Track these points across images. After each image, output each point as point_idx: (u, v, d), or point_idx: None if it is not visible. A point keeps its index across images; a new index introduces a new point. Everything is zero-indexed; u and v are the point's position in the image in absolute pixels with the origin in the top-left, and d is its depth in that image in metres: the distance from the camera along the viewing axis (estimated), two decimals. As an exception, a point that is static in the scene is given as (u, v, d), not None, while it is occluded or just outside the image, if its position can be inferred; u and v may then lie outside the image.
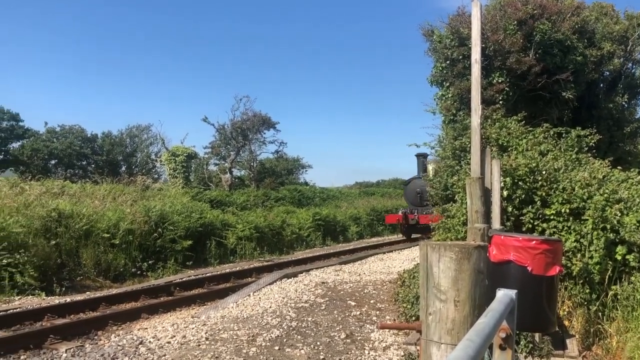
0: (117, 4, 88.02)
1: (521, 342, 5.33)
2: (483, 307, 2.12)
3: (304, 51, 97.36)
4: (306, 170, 57.67)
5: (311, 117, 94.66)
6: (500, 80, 13.31)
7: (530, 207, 7.33)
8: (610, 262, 6.86)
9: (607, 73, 16.69)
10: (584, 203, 7.15)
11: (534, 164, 7.62)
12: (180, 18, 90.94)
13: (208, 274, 12.98)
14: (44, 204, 13.29)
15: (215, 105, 75.51)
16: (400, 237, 24.30)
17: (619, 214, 7.02)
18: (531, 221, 7.29)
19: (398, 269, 11.76)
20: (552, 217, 7.21)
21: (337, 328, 7.13)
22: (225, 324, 7.31)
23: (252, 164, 45.22)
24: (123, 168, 49.68)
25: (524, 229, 7.30)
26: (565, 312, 6.73)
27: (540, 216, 7.32)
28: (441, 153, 11.30)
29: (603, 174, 8.29)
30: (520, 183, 7.38)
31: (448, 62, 13.78)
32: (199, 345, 6.40)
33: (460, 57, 13.44)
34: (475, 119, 6.46)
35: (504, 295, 2.15)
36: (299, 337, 6.74)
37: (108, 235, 13.38)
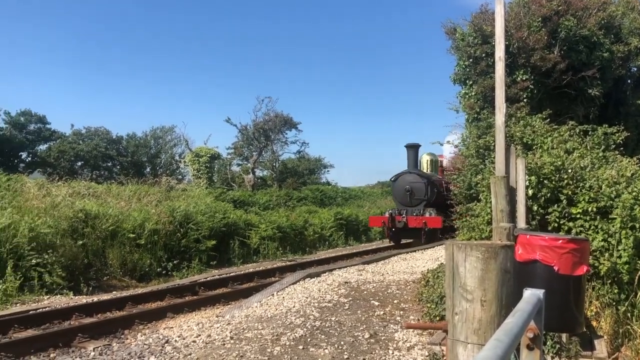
0: (139, 4, 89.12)
1: (548, 343, 5.27)
2: (510, 307, 2.11)
3: (324, 50, 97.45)
4: (328, 170, 57.86)
5: (333, 116, 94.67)
6: (524, 78, 13.16)
7: (556, 206, 7.23)
8: (640, 262, 6.73)
9: (635, 69, 16.40)
10: (611, 202, 7.02)
11: (559, 162, 7.51)
12: (204, 18, 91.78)
13: (232, 274, 13.08)
14: (71, 204, 13.52)
15: (238, 107, 75.99)
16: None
17: (649, 213, 6.89)
18: (557, 220, 7.18)
19: (421, 268, 11.70)
20: (578, 216, 7.10)
21: (361, 328, 7.13)
22: (249, 323, 7.36)
23: (274, 164, 45.45)
24: (148, 169, 50.33)
25: (549, 228, 7.20)
26: (593, 313, 6.63)
27: (567, 215, 7.22)
28: (465, 152, 11.21)
29: (631, 172, 8.13)
30: (545, 181, 7.28)
31: (471, 60, 13.67)
32: (224, 344, 6.45)
33: (484, 54, 13.33)
34: (500, 117, 6.40)
35: (531, 295, 2.13)
36: (323, 336, 6.75)
37: (134, 235, 13.57)
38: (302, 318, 7.45)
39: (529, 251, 4.82)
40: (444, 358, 5.29)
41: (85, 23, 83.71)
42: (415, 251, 15.81)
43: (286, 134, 43.98)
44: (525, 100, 12.80)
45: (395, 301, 8.55)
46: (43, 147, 47.24)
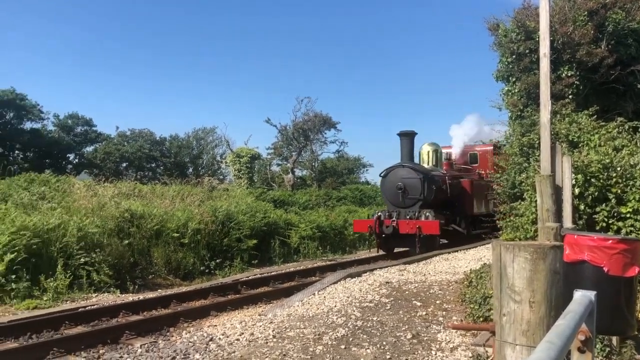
0: (179, 6, 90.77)
1: (597, 345, 5.13)
2: (559, 309, 2.07)
3: (361, 48, 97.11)
4: (367, 169, 57.65)
5: (371, 115, 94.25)
6: (569, 74, 12.84)
7: (604, 205, 7.03)
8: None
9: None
10: (663, 200, 6.79)
11: (607, 160, 7.30)
12: (244, 17, 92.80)
13: (273, 273, 13.19)
14: (117, 205, 13.90)
15: (278, 107, 76.63)
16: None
17: None
18: (605, 220, 6.99)
19: (464, 269, 11.54)
20: (628, 215, 6.89)
21: (403, 328, 7.08)
22: (291, 322, 7.41)
23: (313, 163, 45.63)
24: (190, 170, 51.22)
25: (597, 227, 7.01)
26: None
27: (615, 214, 7.01)
28: (508, 150, 11.02)
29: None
30: (592, 180, 7.09)
31: (514, 56, 13.42)
32: (267, 342, 6.52)
33: (527, 51, 13.06)
34: (545, 115, 6.27)
35: (582, 296, 2.08)
36: (365, 336, 6.74)
37: (177, 234, 13.85)
38: (343, 317, 7.46)
39: (576, 251, 4.70)
40: (490, 359, 5.21)
41: (130, 28, 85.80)
42: (457, 251, 15.60)
43: (325, 133, 44.09)
44: (570, 96, 12.49)
45: (437, 302, 8.47)
46: (89, 148, 48.66)
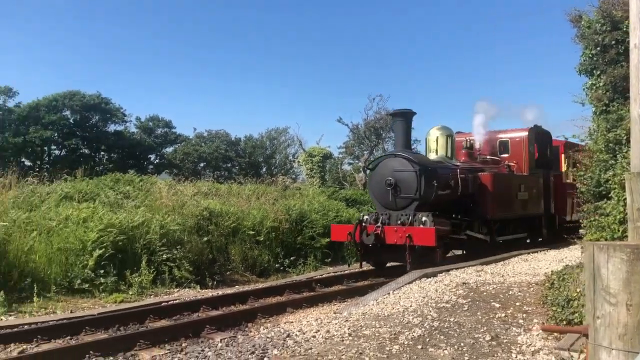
0: (252, 8, 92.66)
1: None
2: (658, 313, 1.96)
3: (429, 42, 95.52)
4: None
5: (441, 111, 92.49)
6: (660, 65, 12.05)
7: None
8: None
9: None
10: None
11: None
12: (315, 17, 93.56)
13: (346, 271, 13.22)
14: (197, 203, 14.40)
15: (349, 106, 76.90)
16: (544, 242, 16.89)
17: None
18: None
19: (545, 270, 11.12)
20: None
21: (482, 330, 6.92)
22: (366, 320, 7.41)
23: (385, 162, 45.24)
24: (264, 169, 52.27)
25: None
26: None
27: None
28: (592, 146, 10.51)
29: None
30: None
31: (598, 48, 12.75)
32: (343, 340, 6.55)
33: (613, 42, 12.38)
34: (635, 109, 5.90)
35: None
36: (442, 337, 6.64)
37: (253, 232, 14.19)
38: (419, 318, 7.38)
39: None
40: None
41: (204, 31, 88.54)
42: (537, 252, 15.04)
43: (398, 132, 43.62)
44: (661, 89, 11.72)
45: (517, 303, 8.21)
46: (169, 149, 50.73)
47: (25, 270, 9.87)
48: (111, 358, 6.27)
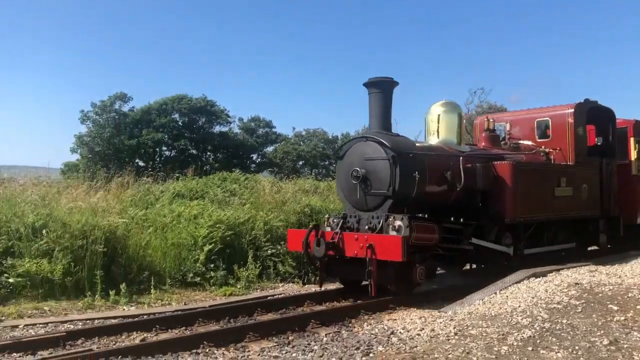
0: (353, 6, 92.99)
1: None
2: None
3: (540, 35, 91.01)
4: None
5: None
6: None
7: None
8: None
9: None
10: None
11: None
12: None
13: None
14: (298, 200, 14.73)
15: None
16: None
17: None
18: None
19: (668, 271, 10.32)
20: None
21: (598, 333, 6.55)
22: (472, 320, 7.25)
23: (488, 157, 43.79)
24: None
25: None
26: None
27: None
28: None
29: None
30: None
31: None
32: (449, 339, 6.46)
33: None
34: None
35: None
36: (554, 339, 6.36)
37: (354, 229, 14.27)
38: (529, 318, 7.11)
39: None
40: None
41: (300, 34, 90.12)
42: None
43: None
44: None
45: (638, 307, 7.68)
46: (270, 148, 52.28)
47: (143, 264, 10.60)
48: (223, 349, 6.56)
